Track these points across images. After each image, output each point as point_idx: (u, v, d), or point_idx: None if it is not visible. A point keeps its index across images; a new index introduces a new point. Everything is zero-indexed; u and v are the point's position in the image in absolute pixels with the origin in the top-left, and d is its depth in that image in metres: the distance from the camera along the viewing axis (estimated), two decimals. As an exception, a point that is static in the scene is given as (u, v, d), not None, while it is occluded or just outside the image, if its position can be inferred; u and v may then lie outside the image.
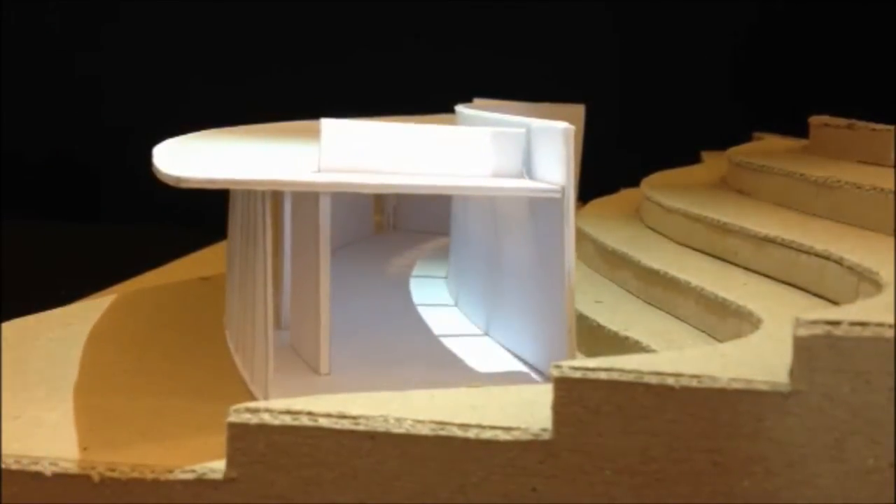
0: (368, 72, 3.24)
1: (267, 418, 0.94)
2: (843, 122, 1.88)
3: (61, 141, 3.46)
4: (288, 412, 0.95)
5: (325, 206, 1.33)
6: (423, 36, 3.24)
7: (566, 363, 0.93)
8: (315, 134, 1.32)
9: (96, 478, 0.96)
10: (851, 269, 1.29)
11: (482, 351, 1.46)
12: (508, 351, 1.44)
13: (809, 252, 1.39)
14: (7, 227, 3.03)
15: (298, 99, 2.42)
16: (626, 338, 1.39)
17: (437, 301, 1.74)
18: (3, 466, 0.98)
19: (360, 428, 0.94)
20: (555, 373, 0.93)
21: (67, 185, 3.45)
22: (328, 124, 1.30)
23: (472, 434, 0.93)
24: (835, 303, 1.31)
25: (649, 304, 1.55)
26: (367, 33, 3.29)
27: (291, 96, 2.78)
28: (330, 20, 3.31)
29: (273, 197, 1.23)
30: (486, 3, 3.20)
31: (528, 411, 0.96)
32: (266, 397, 1.19)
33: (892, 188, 1.48)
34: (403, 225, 2.36)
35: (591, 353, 1.41)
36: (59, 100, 3.44)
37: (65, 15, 3.42)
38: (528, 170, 1.34)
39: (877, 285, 1.18)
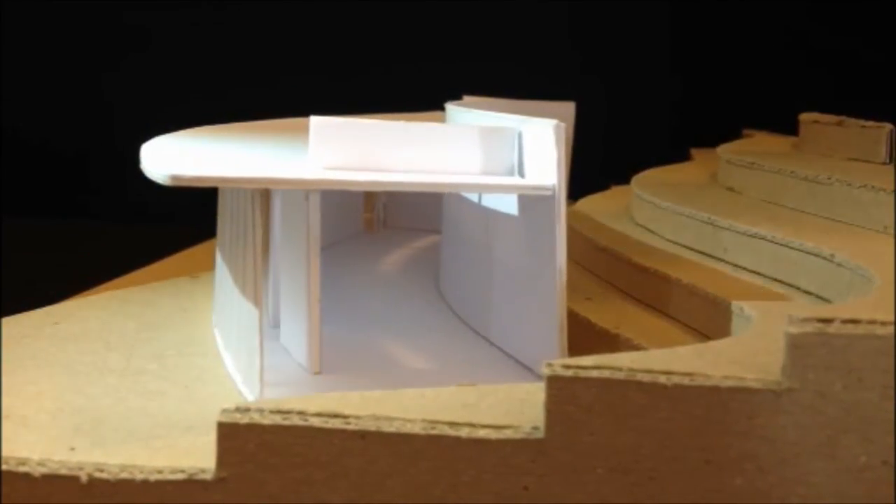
0: (358, 69, 3.23)
1: (257, 418, 0.94)
2: (832, 118, 1.89)
3: (48, 138, 3.45)
4: (278, 411, 0.94)
5: (314, 204, 1.32)
6: (412, 33, 3.23)
7: (558, 361, 0.93)
8: (304, 132, 1.31)
9: (84, 479, 0.95)
10: (842, 265, 1.29)
11: (473, 349, 1.46)
12: (499, 349, 1.44)
13: (800, 249, 1.39)
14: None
15: (288, 97, 2.41)
16: (618, 335, 1.39)
17: (427, 299, 1.74)
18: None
19: (351, 427, 0.93)
20: (546, 371, 0.92)
21: (55, 183, 3.43)
22: (318, 122, 1.29)
23: (463, 433, 0.93)
24: (826, 300, 1.31)
25: (640, 301, 1.55)
26: (357, 30, 3.28)
27: (281, 94, 2.77)
28: (319, 19, 3.30)
29: (263, 195, 1.22)
30: (477, 1, 3.20)
31: (519, 410, 0.96)
32: (256, 397, 1.18)
33: (882, 185, 1.48)
34: (394, 222, 2.36)
35: (582, 352, 1.41)
36: (51, 96, 3.42)
37: (61, 17, 3.41)
38: (518, 167, 1.34)
39: (868, 282, 1.18)
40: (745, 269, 1.49)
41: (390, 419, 0.94)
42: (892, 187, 1.46)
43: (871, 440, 0.89)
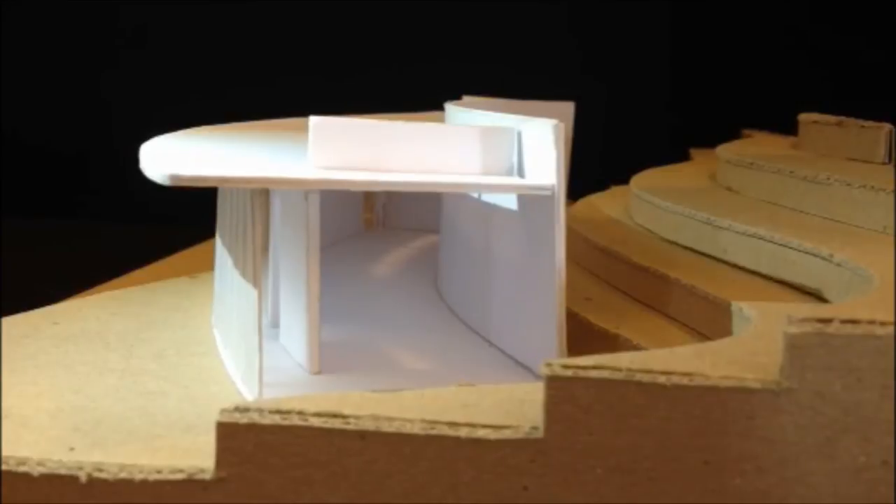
0: (358, 69, 3.23)
1: (256, 418, 0.94)
2: (832, 119, 1.89)
3: (48, 138, 3.45)
4: (278, 411, 0.94)
5: (314, 204, 1.32)
6: (412, 33, 3.23)
7: (557, 361, 0.93)
8: (304, 132, 1.31)
9: (84, 478, 0.95)
10: (842, 265, 1.29)
11: (473, 349, 1.46)
12: (499, 349, 1.44)
13: (799, 249, 1.39)
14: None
15: (287, 97, 2.41)
16: (617, 335, 1.39)
17: (427, 299, 1.74)
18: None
19: (351, 427, 0.93)
20: (546, 371, 0.92)
21: (54, 183, 3.43)
22: (317, 122, 1.29)
23: (462, 433, 0.93)
24: (826, 300, 1.31)
25: (640, 301, 1.55)
26: (357, 30, 3.28)
27: (280, 94, 2.77)
28: (319, 19, 3.30)
29: (262, 194, 1.22)
30: (477, 2, 3.20)
31: (519, 410, 0.96)
32: (256, 397, 1.18)
33: (881, 185, 1.48)
34: (393, 222, 2.36)
35: (581, 352, 1.41)
36: (50, 96, 3.42)
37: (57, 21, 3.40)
38: (518, 167, 1.34)
39: (868, 282, 1.18)
40: (744, 269, 1.49)
41: (390, 419, 0.94)
42: (891, 187, 1.46)
43: (871, 440, 0.89)
